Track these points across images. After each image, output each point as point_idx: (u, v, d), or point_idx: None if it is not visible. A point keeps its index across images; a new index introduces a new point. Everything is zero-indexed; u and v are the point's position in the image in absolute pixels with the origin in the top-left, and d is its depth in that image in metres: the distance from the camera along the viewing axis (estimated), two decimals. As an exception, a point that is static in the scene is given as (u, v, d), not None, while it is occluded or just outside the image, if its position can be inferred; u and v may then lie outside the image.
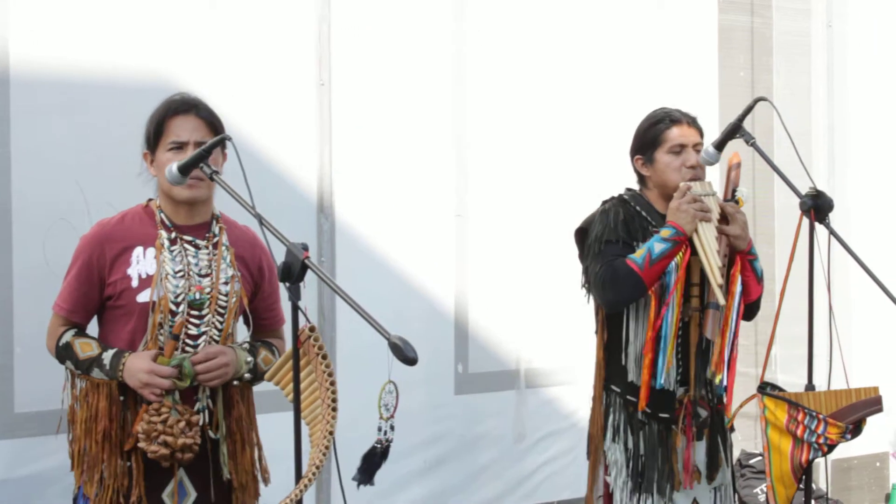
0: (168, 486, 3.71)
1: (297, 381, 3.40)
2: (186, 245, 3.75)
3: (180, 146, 3.70)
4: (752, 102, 4.49)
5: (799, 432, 4.26)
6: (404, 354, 3.19)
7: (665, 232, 4.11)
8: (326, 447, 3.43)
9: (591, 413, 4.35)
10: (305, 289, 3.41)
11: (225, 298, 3.77)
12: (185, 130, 3.71)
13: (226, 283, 3.78)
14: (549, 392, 6.01)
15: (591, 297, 4.29)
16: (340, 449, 3.48)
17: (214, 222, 3.83)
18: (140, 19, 4.86)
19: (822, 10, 7.09)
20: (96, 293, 3.73)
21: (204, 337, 3.73)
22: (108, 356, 3.67)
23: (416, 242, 5.61)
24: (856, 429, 4.29)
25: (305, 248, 3.36)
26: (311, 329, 3.49)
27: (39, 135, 4.62)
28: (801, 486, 4.36)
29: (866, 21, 7.21)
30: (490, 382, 5.85)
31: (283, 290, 3.43)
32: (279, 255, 3.40)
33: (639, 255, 4.09)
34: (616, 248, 4.16)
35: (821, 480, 6.61)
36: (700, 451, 4.31)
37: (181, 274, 3.71)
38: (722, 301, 4.13)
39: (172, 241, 3.73)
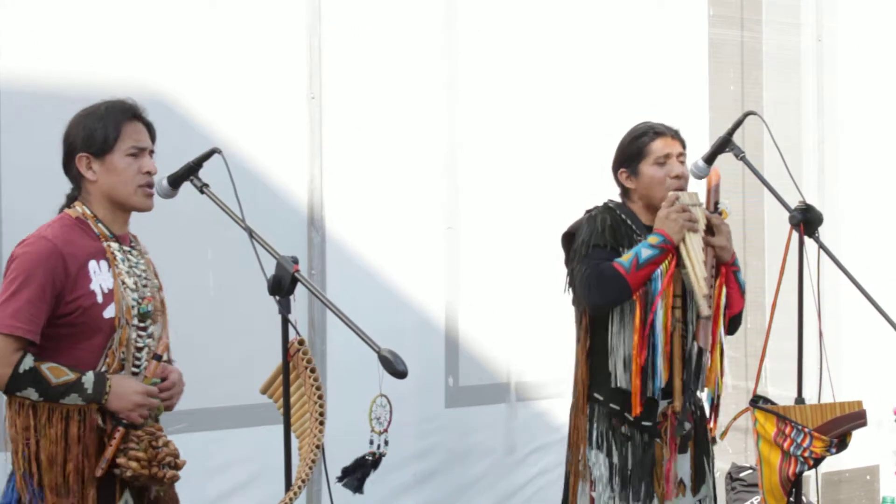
0: None
1: (286, 394, 3.40)
2: (130, 256, 3.63)
3: (139, 151, 3.59)
4: (742, 116, 4.52)
5: (786, 445, 4.27)
6: (394, 368, 3.20)
7: (653, 239, 4.13)
8: (314, 461, 3.43)
9: (573, 423, 4.34)
10: (296, 302, 3.41)
11: (160, 307, 3.69)
12: (144, 136, 3.61)
13: (160, 291, 3.71)
14: (540, 405, 6.02)
15: (575, 303, 4.30)
16: (331, 462, 3.48)
17: (128, 231, 3.71)
18: (131, 32, 4.87)
19: (811, 25, 7.11)
20: (49, 311, 3.48)
21: (145, 350, 3.60)
22: (89, 380, 3.46)
23: (407, 255, 5.61)
24: (841, 443, 4.30)
25: (295, 261, 3.36)
26: (301, 342, 3.49)
27: (30, 147, 4.62)
28: (792, 498, 4.37)
29: (856, 35, 7.23)
30: (481, 395, 5.85)
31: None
32: (269, 268, 3.40)
33: (626, 258, 4.11)
34: (603, 253, 4.19)
35: (811, 493, 6.61)
36: (685, 463, 4.31)
37: (134, 285, 3.59)
38: (706, 312, 4.15)
39: (121, 252, 3.60)
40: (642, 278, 4.12)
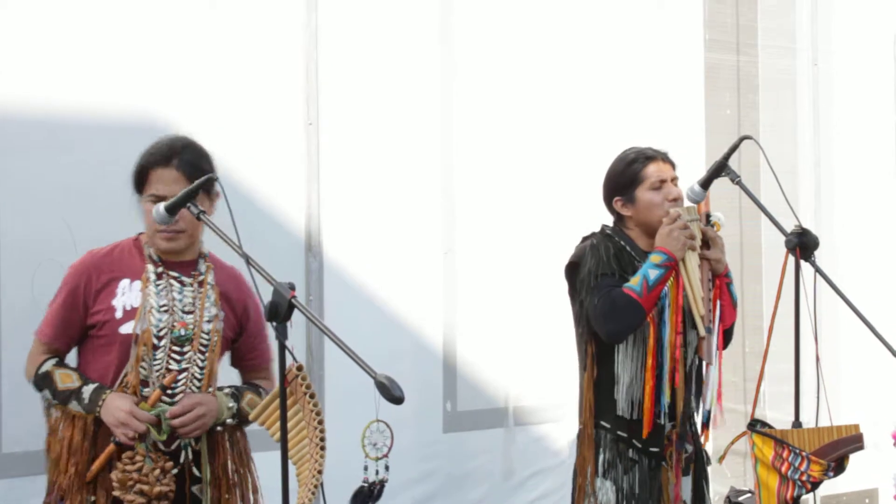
0: None
1: (283, 420, 3.39)
2: (172, 281, 3.75)
3: (159, 199, 3.67)
4: (738, 141, 4.52)
5: (783, 469, 4.27)
6: (391, 393, 3.20)
7: (656, 258, 4.13)
8: (315, 486, 3.43)
9: (579, 451, 4.33)
10: (293, 328, 3.41)
11: (207, 336, 3.76)
12: (164, 184, 3.69)
13: (209, 322, 3.77)
14: (539, 430, 6.01)
15: (581, 333, 4.29)
16: (329, 488, 3.48)
17: (202, 261, 3.83)
18: (128, 59, 4.88)
19: (807, 49, 7.13)
20: (80, 321, 3.73)
21: (185, 374, 3.71)
22: (88, 390, 3.66)
23: (405, 280, 5.62)
24: (838, 466, 4.30)
25: (292, 287, 3.36)
26: (299, 368, 3.49)
27: (26, 173, 4.63)
28: (790, 522, 4.37)
29: (851, 59, 7.25)
30: (479, 420, 5.84)
31: (269, 330, 3.43)
32: (266, 294, 3.40)
33: (635, 282, 4.10)
34: (612, 281, 4.16)
35: (810, 517, 6.61)
36: (687, 486, 4.31)
37: (165, 308, 3.71)
38: (703, 332, 4.16)
39: (159, 276, 3.73)
40: (654, 299, 4.12)
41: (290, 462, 3.45)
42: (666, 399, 4.17)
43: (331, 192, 5.40)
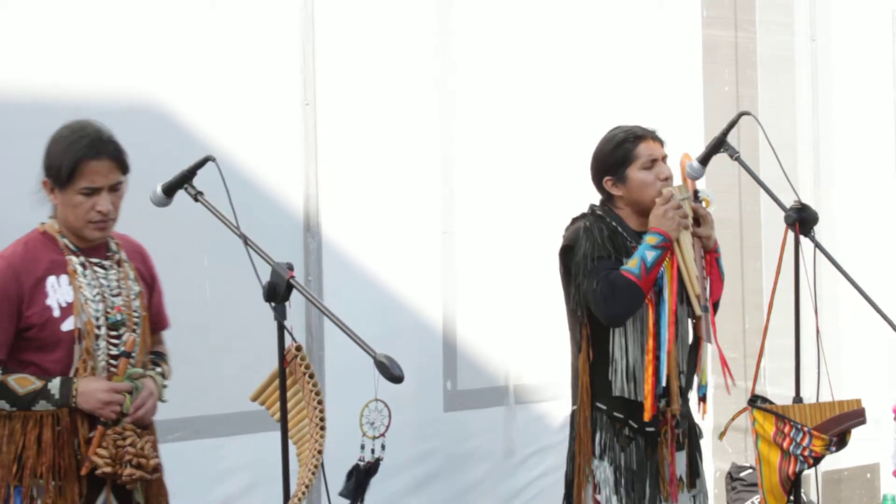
0: (96, 502, 3.66)
1: (283, 401, 3.40)
2: (96, 268, 3.73)
3: (93, 191, 3.65)
4: (736, 117, 4.51)
5: (785, 445, 4.28)
6: (390, 372, 3.20)
7: (652, 239, 4.12)
8: (316, 466, 3.43)
9: (576, 433, 4.33)
10: (292, 308, 3.41)
11: (137, 314, 3.77)
12: (100, 175, 3.65)
13: (136, 300, 3.78)
14: (539, 408, 6.01)
15: (575, 315, 4.28)
16: (329, 467, 3.48)
17: (110, 240, 3.82)
18: (123, 41, 4.86)
19: (805, 25, 7.11)
20: (15, 327, 3.63)
21: (121, 357, 3.69)
22: (55, 385, 3.61)
23: (404, 260, 5.61)
24: (840, 441, 4.30)
25: (290, 267, 3.36)
26: (298, 348, 3.49)
27: (25, 160, 4.60)
28: (791, 497, 4.38)
29: (849, 35, 7.24)
30: (479, 399, 5.85)
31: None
32: (264, 274, 3.40)
33: (632, 265, 4.10)
34: (608, 264, 4.16)
35: (812, 492, 6.61)
36: (681, 461, 4.32)
37: (98, 297, 3.69)
38: (698, 311, 4.16)
39: (83, 266, 3.70)
40: (652, 281, 4.12)
41: (290, 442, 3.46)
42: (664, 379, 4.17)
43: (329, 173, 5.39)
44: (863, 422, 4.32)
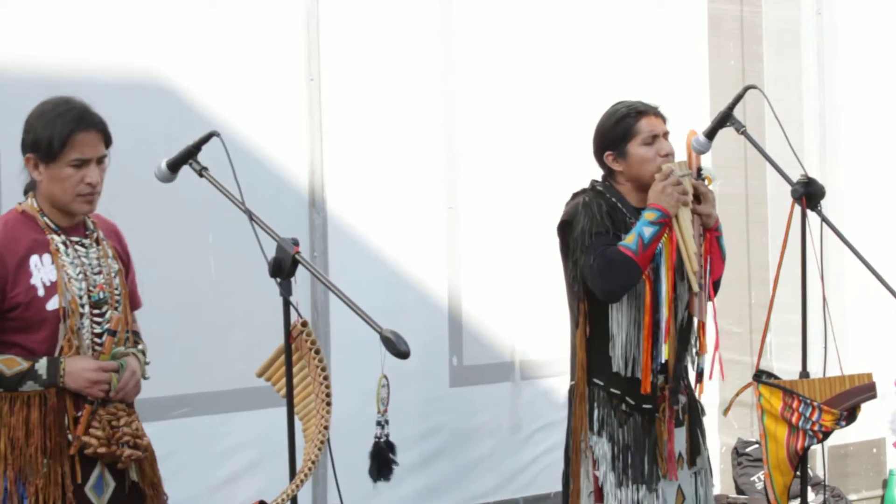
0: (90, 479, 3.65)
1: (289, 376, 3.40)
2: (77, 246, 3.71)
3: (83, 163, 3.63)
4: (742, 91, 4.49)
5: (794, 420, 4.27)
6: (396, 348, 3.19)
7: (650, 215, 4.11)
8: (322, 442, 3.43)
9: (573, 409, 4.33)
10: (297, 284, 3.40)
11: (119, 292, 3.75)
12: (90, 147, 3.63)
13: (116, 277, 3.76)
14: (545, 383, 6.01)
15: (574, 291, 4.27)
16: (335, 443, 3.48)
17: (87, 218, 3.79)
18: (128, 16, 4.85)
19: (811, -2, 7.09)
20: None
21: (106, 335, 3.68)
22: (42, 366, 3.59)
23: (409, 236, 5.61)
24: (850, 415, 4.29)
25: (296, 242, 3.35)
26: (304, 324, 3.49)
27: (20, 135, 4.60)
28: (798, 473, 4.37)
29: (855, 8, 7.21)
30: (485, 374, 5.85)
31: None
32: (270, 250, 3.39)
33: (630, 240, 4.09)
34: (606, 239, 4.15)
35: (818, 467, 6.62)
36: (681, 437, 4.31)
37: (80, 276, 3.67)
38: (696, 288, 4.15)
39: (65, 245, 3.68)
40: (650, 257, 4.11)
41: (296, 418, 3.46)
42: (664, 357, 4.16)
43: (334, 148, 5.38)
44: (874, 396, 4.31)
